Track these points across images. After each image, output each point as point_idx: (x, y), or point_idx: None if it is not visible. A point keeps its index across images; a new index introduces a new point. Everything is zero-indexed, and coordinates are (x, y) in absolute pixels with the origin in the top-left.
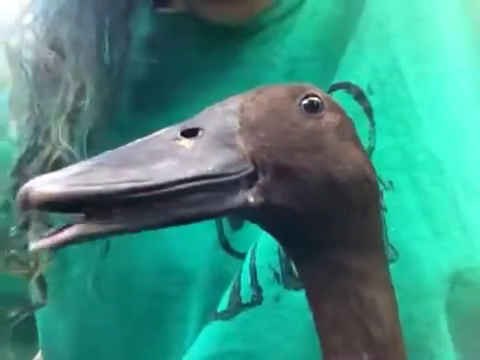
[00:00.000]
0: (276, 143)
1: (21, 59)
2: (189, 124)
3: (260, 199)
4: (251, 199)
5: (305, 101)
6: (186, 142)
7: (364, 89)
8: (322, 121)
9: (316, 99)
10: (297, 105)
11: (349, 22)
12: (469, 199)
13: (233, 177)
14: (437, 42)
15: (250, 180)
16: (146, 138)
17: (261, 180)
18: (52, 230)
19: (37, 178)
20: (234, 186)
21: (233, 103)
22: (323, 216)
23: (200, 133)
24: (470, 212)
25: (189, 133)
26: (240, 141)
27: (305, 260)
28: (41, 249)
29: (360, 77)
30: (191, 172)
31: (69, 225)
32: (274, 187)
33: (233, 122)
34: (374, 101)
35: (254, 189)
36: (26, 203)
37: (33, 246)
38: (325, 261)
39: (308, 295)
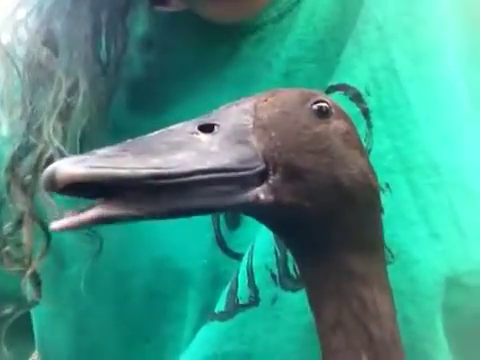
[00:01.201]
0: (286, 143)
1: (13, 55)
2: (206, 120)
3: (270, 197)
4: (261, 196)
5: (315, 106)
6: (203, 136)
7: (361, 91)
8: (330, 127)
9: (325, 105)
10: (307, 109)
11: (346, 23)
12: (466, 201)
13: (246, 173)
14: (434, 44)
15: (261, 177)
16: (164, 130)
17: (271, 178)
18: (69, 212)
19: (62, 160)
20: (246, 182)
21: (248, 102)
22: (329, 216)
23: (216, 129)
24: (467, 214)
25: (206, 128)
26: (253, 139)
27: (309, 261)
28: (65, 228)
29: (358, 79)
30: (209, 164)
31: (90, 207)
32: (283, 186)
33: (247, 120)
34: (371, 103)
35: (264, 186)
36: (52, 183)
37: (56, 225)
38: (329, 262)
39: (309, 295)
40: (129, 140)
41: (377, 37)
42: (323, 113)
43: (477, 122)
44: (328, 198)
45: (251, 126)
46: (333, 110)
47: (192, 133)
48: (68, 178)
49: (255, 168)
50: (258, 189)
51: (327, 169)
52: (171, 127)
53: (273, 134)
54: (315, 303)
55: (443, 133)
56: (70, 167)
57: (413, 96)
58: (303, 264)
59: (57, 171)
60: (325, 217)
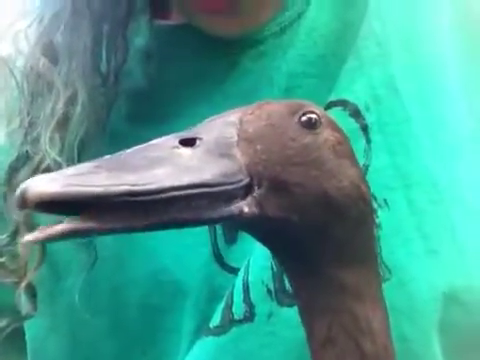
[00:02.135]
0: (273, 156)
1: (12, 66)
2: (187, 133)
3: (254, 210)
4: (246, 209)
5: (303, 118)
6: (184, 150)
7: (361, 107)
8: (319, 138)
9: (314, 116)
10: (295, 121)
11: (347, 38)
12: (464, 218)
13: (229, 187)
14: (434, 60)
15: (245, 191)
16: (145, 145)
17: (256, 192)
18: (44, 226)
19: (35, 177)
20: (229, 196)
21: (232, 115)
22: (318, 230)
23: (198, 142)
24: (465, 231)
25: (187, 142)
26: (237, 152)
27: (299, 274)
28: (33, 243)
29: (357, 94)
30: (187, 180)
31: (62, 221)
32: (269, 199)
33: (231, 133)
34: (370, 119)
35: (249, 200)
36: (23, 202)
37: (26, 239)
38: (320, 276)
39: (301, 310)
40: (106, 156)
41: (377, 53)
42: (312, 124)
43: (477, 138)
44: (317, 212)
45: (235, 139)
46: (323, 120)
47: (173, 147)
48: (39, 197)
49: (238, 182)
50: (243, 202)
51: (315, 182)
52: (153, 141)
53: (258, 147)
54: (306, 318)
55: (443, 149)
56: (41, 186)
57: (414, 112)
58: (294, 278)
59: (28, 190)
60: (314, 231)
